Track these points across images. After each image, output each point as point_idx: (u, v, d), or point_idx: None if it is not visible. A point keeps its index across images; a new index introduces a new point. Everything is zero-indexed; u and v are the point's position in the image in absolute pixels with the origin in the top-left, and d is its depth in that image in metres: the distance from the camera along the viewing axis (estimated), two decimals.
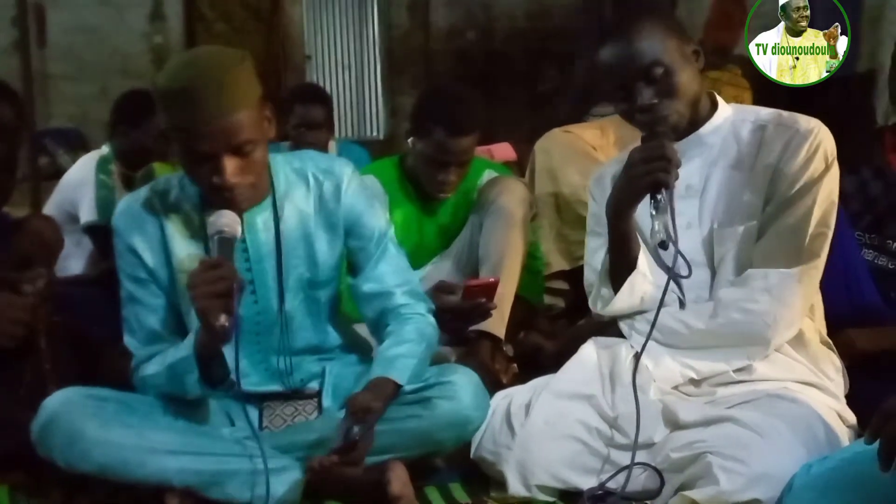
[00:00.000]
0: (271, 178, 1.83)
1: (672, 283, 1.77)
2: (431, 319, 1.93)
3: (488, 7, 6.62)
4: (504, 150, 3.94)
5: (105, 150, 3.33)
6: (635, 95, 1.76)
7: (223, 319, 1.58)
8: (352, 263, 1.93)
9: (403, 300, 1.89)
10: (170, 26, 6.31)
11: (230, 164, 1.66)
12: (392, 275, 1.91)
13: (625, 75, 1.78)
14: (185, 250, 1.81)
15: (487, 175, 2.65)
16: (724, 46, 4.01)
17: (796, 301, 1.79)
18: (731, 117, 1.88)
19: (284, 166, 1.86)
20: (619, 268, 1.84)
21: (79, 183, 3.23)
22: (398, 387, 1.76)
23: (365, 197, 1.92)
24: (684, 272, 1.67)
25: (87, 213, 3.18)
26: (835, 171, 1.80)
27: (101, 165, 3.25)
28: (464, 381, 1.79)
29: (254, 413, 1.89)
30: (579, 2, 6.00)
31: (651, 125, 1.76)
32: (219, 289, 1.59)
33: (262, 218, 1.82)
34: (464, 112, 2.46)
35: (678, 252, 1.64)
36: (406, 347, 1.81)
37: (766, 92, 3.75)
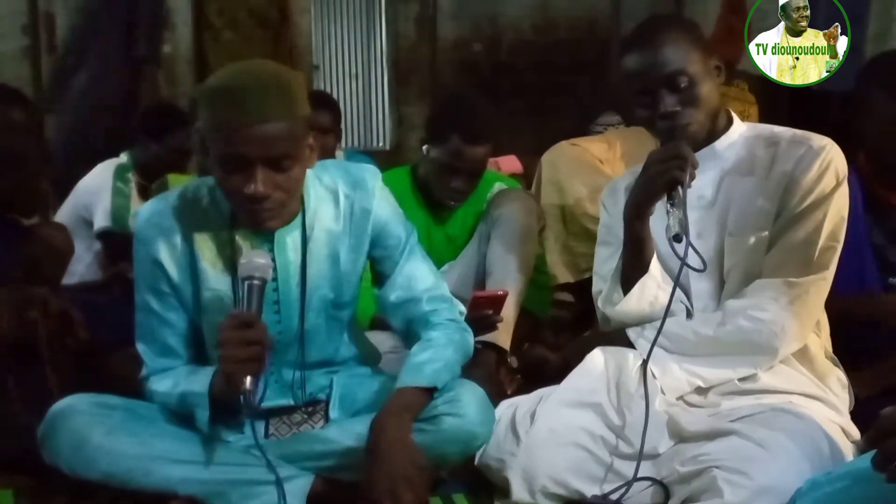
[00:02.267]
0: (302, 196, 1.78)
1: (680, 293, 1.79)
2: (462, 324, 1.90)
3: (495, 19, 6.64)
4: (511, 163, 3.97)
5: (124, 158, 3.36)
6: (658, 102, 1.80)
7: (248, 384, 1.57)
8: (377, 272, 1.91)
9: (431, 306, 1.87)
10: (178, 35, 6.32)
11: (264, 175, 1.61)
12: (418, 281, 1.88)
13: (649, 81, 1.80)
14: (212, 269, 1.76)
15: (497, 187, 2.67)
16: (729, 62, 4.03)
17: (804, 312, 1.81)
18: (745, 133, 1.92)
19: (315, 182, 1.81)
20: (632, 271, 1.86)
21: (95, 189, 3.26)
22: (429, 392, 1.73)
23: (391, 205, 1.88)
24: (699, 267, 1.70)
25: (102, 220, 3.21)
26: (845, 188, 1.82)
27: (119, 173, 3.29)
28: (470, 397, 1.77)
29: (260, 422, 1.88)
30: (586, 15, 6.03)
31: (671, 131, 1.80)
32: (250, 354, 1.57)
33: (291, 238, 1.77)
34: (480, 121, 2.49)
35: (690, 245, 1.67)
36: (431, 352, 1.78)
37: (772, 107, 3.78)
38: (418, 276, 1.88)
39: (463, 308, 1.99)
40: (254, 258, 1.63)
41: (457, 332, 1.86)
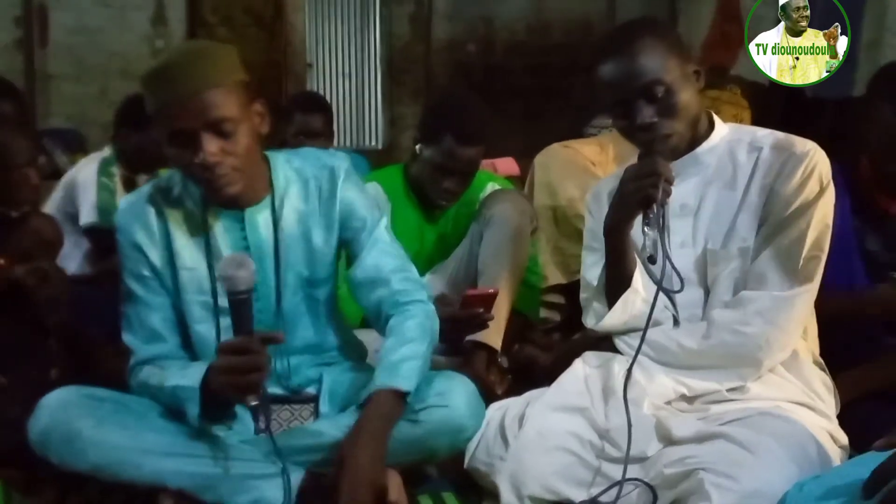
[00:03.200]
0: (271, 177, 1.85)
1: (666, 300, 1.78)
2: (431, 307, 1.92)
3: (489, 20, 6.65)
4: (508, 165, 3.97)
5: (107, 152, 3.34)
6: (635, 113, 1.76)
7: (252, 400, 1.60)
8: (348, 255, 1.95)
9: (400, 286, 1.89)
10: (171, 30, 6.31)
11: (209, 143, 1.67)
12: (387, 262, 1.91)
13: (625, 92, 1.77)
14: (187, 248, 1.82)
15: (490, 187, 2.67)
16: (723, 66, 4.05)
17: (789, 324, 1.79)
18: (727, 137, 1.88)
19: (284, 165, 1.88)
20: (615, 284, 1.85)
21: (80, 184, 3.24)
22: (405, 394, 1.75)
23: (358, 188, 1.94)
24: (676, 287, 1.68)
25: (88, 215, 3.19)
26: (830, 194, 1.79)
27: (104, 168, 3.27)
28: (459, 389, 1.80)
29: (250, 417, 1.87)
30: (581, 17, 6.05)
31: (650, 143, 1.76)
32: (249, 381, 1.60)
33: (262, 217, 1.84)
34: (474, 122, 2.49)
35: (670, 265, 1.65)
36: (409, 349, 1.79)
37: (765, 112, 3.79)
38: (386, 256, 1.91)
39: (430, 291, 2.00)
40: (231, 265, 1.60)
41: (427, 318, 1.87)
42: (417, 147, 2.55)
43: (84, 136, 6.07)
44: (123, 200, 1.89)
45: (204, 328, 1.84)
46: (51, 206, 3.29)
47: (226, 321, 1.73)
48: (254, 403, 1.60)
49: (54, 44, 6.17)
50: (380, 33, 6.58)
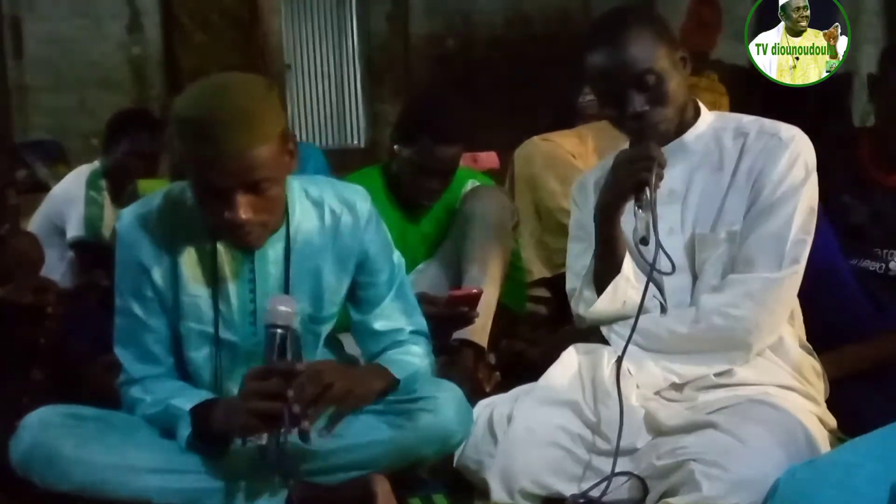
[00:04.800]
0: (286, 207, 1.75)
1: (654, 289, 1.78)
2: (432, 357, 1.94)
3: (467, 15, 6.64)
4: (489, 158, 3.95)
5: (95, 165, 3.33)
6: (626, 103, 1.76)
7: (262, 439, 1.58)
8: (359, 297, 1.88)
9: (408, 338, 1.89)
10: (148, 37, 6.27)
11: (244, 201, 1.58)
12: (402, 313, 1.89)
13: (616, 82, 1.77)
14: (192, 276, 1.74)
15: (470, 185, 2.66)
16: (701, 52, 4.04)
17: (777, 306, 1.80)
18: (713, 124, 1.89)
19: (301, 195, 1.78)
20: (604, 271, 1.85)
21: (68, 197, 3.23)
22: (395, 382, 1.77)
23: (382, 234, 1.87)
24: (668, 269, 1.69)
25: (74, 229, 3.17)
26: (814, 179, 1.81)
27: (92, 181, 3.25)
28: (447, 396, 1.77)
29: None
30: (559, 8, 6.04)
31: (641, 132, 1.77)
32: (272, 409, 1.55)
33: (273, 250, 1.75)
34: (451, 121, 2.48)
35: (660, 247, 1.66)
36: (407, 357, 1.83)
37: (743, 97, 3.79)
38: (403, 308, 1.90)
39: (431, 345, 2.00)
40: (278, 306, 1.59)
41: (426, 356, 1.91)
42: (395, 147, 2.53)
43: (64, 147, 6.04)
44: (129, 211, 1.78)
45: (200, 356, 1.78)
46: (37, 218, 3.27)
47: (224, 351, 1.74)
48: (259, 443, 1.57)
49: (29, 55, 6.12)
50: (357, 32, 6.57)
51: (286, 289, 1.75)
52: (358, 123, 6.65)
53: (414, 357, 1.86)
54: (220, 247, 1.74)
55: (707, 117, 1.90)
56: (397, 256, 1.92)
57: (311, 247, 1.78)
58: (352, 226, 1.80)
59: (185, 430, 1.67)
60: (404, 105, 2.72)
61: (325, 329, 1.88)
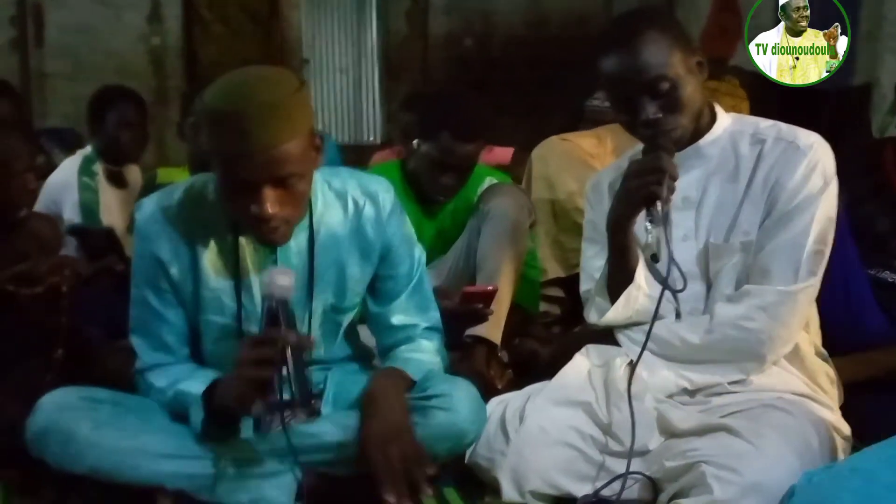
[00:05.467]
0: (310, 199, 1.74)
1: (669, 295, 1.77)
2: (444, 351, 1.95)
3: (486, 15, 6.64)
4: (503, 154, 3.95)
5: (88, 150, 3.32)
6: (639, 109, 1.73)
7: (258, 407, 1.57)
8: (378, 289, 1.88)
9: (422, 333, 1.91)
10: (168, 28, 6.29)
11: (271, 195, 1.58)
12: (419, 309, 1.90)
13: (628, 88, 1.74)
14: (213, 269, 1.74)
15: (488, 182, 2.66)
16: (721, 57, 4.03)
17: (792, 319, 1.77)
18: (730, 128, 1.86)
19: (323, 186, 1.78)
20: (617, 279, 1.83)
21: (63, 185, 3.22)
22: (411, 381, 1.78)
23: (405, 227, 1.88)
24: (679, 285, 1.66)
25: (71, 215, 3.17)
26: (833, 188, 1.77)
27: (84, 167, 3.25)
28: (462, 394, 1.77)
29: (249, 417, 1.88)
30: (578, 11, 6.03)
31: (654, 139, 1.74)
32: (262, 375, 1.53)
33: (296, 242, 1.75)
34: (471, 118, 2.48)
35: (674, 264, 1.63)
36: (420, 355, 1.84)
37: (763, 103, 3.78)
38: (421, 303, 1.91)
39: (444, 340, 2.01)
40: (276, 278, 1.55)
41: (439, 352, 1.92)
42: (415, 142, 2.54)
43: (82, 136, 6.05)
44: (149, 203, 1.76)
45: (220, 348, 1.78)
46: (37, 207, 3.27)
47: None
48: (258, 411, 1.58)
49: (50, 43, 6.15)
50: (376, 29, 6.57)
51: (310, 280, 1.75)
52: (374, 120, 6.65)
53: (426, 354, 1.87)
54: (242, 240, 1.74)
55: (724, 121, 1.86)
56: (419, 251, 1.92)
57: (335, 238, 1.78)
58: (374, 217, 1.80)
59: (197, 416, 1.68)
60: (426, 101, 2.72)
61: (347, 319, 1.88)
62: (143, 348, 1.80)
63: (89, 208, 3.16)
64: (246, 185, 1.58)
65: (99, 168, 3.27)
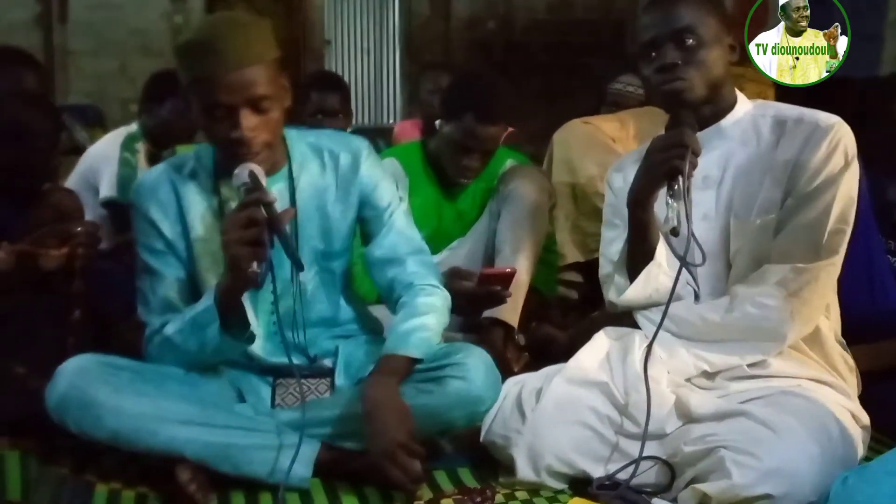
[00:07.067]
0: (287, 149, 1.86)
1: (687, 275, 1.77)
2: (443, 291, 1.95)
3: None
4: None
5: (133, 127, 3.36)
6: (662, 54, 1.78)
7: (254, 267, 1.63)
8: (365, 233, 1.97)
9: (414, 268, 1.93)
10: (190, 6, 6.30)
11: (247, 119, 1.69)
12: (404, 243, 1.95)
13: (657, 35, 1.79)
14: (200, 220, 1.83)
15: (509, 164, 2.65)
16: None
17: (813, 298, 1.77)
18: (751, 111, 1.88)
19: (299, 141, 1.90)
20: (637, 257, 1.84)
21: (103, 157, 3.27)
22: (413, 361, 1.79)
23: (380, 169, 1.97)
24: (698, 261, 1.67)
25: (107, 189, 3.21)
26: (854, 169, 1.77)
27: (128, 143, 3.29)
28: (476, 361, 1.80)
29: (266, 391, 1.89)
30: None
31: (669, 96, 1.78)
32: (249, 235, 1.63)
33: (277, 188, 1.83)
34: (495, 100, 2.47)
35: (693, 238, 1.64)
36: (419, 321, 1.83)
37: (788, 90, 3.74)
38: (404, 238, 1.95)
39: (442, 279, 2.02)
40: (245, 168, 1.70)
41: (438, 298, 1.91)
42: (437, 123, 2.53)
43: (103, 112, 6.08)
44: (140, 178, 1.92)
45: None
46: (73, 176, 3.30)
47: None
48: (255, 270, 1.63)
49: (74, 20, 6.17)
50: (399, 10, 6.55)
51: (295, 225, 1.84)
52: (394, 102, 6.64)
53: (420, 318, 1.85)
54: (224, 190, 1.82)
55: (745, 105, 1.88)
56: (399, 194, 2.00)
57: (314, 186, 1.88)
58: (350, 162, 1.91)
59: (213, 326, 1.73)
60: (449, 82, 2.71)
61: (339, 266, 1.94)
62: (150, 316, 1.86)
63: (126, 184, 3.20)
64: (224, 111, 1.69)
65: (141, 147, 3.31)
